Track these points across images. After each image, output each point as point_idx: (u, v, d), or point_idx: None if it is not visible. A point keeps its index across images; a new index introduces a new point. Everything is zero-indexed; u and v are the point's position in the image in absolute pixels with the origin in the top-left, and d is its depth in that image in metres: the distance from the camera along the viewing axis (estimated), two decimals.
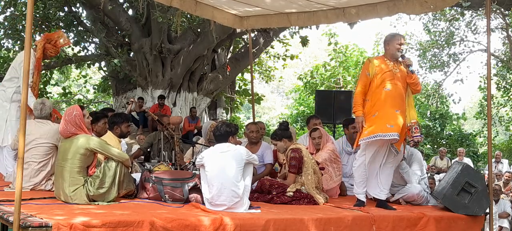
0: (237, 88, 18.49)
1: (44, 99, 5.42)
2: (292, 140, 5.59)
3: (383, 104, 5.13)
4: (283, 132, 5.59)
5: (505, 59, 20.04)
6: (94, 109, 17.44)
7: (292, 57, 17.55)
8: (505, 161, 13.79)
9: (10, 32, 13.56)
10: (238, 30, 13.30)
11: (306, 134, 7.06)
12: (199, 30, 13.97)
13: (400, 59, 5.32)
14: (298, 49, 18.87)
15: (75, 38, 14.51)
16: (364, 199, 5.25)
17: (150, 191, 4.82)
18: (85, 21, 14.77)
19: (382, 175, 5.31)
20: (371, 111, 5.17)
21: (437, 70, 20.93)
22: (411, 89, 5.41)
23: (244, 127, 7.28)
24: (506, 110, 21.74)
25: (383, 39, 5.52)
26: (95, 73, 22.53)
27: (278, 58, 18.21)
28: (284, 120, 17.69)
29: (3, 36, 14.09)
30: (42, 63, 6.04)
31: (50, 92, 19.24)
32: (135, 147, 10.43)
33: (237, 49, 16.58)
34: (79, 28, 14.31)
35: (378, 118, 5.11)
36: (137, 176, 5.14)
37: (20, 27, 13.23)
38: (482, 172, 11.99)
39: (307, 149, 5.66)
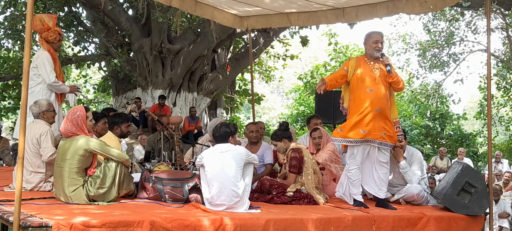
0: (237, 88, 18.49)
1: (39, 99, 5.40)
2: (292, 140, 5.59)
3: (365, 105, 5.16)
4: (283, 132, 5.59)
5: (505, 59, 20.04)
6: (94, 109, 17.45)
7: (292, 57, 17.55)
8: (505, 161, 13.78)
9: (10, 32, 13.57)
10: (238, 30, 13.31)
11: (306, 133, 7.05)
12: (199, 30, 13.98)
13: (380, 58, 5.32)
14: (298, 49, 18.86)
15: (75, 38, 14.53)
16: (361, 199, 5.26)
17: (150, 191, 4.82)
18: (85, 21, 14.78)
19: (378, 173, 5.31)
20: (355, 111, 5.21)
21: (437, 70, 20.93)
22: (393, 88, 5.44)
23: (244, 127, 7.28)
24: (506, 110, 21.74)
25: (363, 38, 5.48)
26: (95, 73, 22.54)
27: (278, 58, 18.21)
28: (284, 120, 17.69)
29: (3, 36, 14.09)
30: (58, 54, 5.98)
31: None
32: (136, 147, 10.46)
33: (237, 49, 16.58)
34: (79, 28, 14.31)
35: (358, 120, 5.15)
36: (137, 176, 5.14)
37: (20, 27, 13.24)
38: (482, 172, 11.99)
39: (307, 149, 5.66)
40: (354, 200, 5.26)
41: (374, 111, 5.15)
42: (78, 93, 6.15)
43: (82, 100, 19.22)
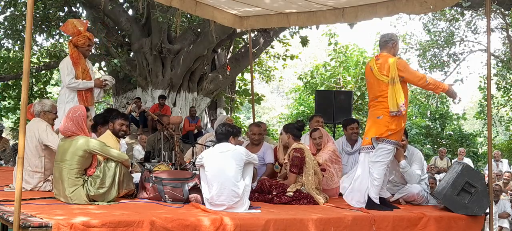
0: (237, 88, 18.49)
1: (44, 99, 5.43)
2: (297, 141, 5.57)
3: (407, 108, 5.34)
4: (295, 129, 5.61)
5: (505, 59, 20.05)
6: (95, 109, 17.40)
7: (292, 57, 17.55)
8: (505, 161, 13.78)
9: (10, 32, 13.57)
10: (238, 30, 13.30)
11: (307, 133, 7.05)
12: (199, 30, 13.97)
13: None
14: (298, 49, 18.85)
15: None
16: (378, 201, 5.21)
17: (150, 191, 4.82)
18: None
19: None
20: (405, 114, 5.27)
21: (437, 70, 20.94)
22: None
23: (245, 127, 7.27)
24: (506, 110, 21.75)
25: (389, 38, 5.26)
26: (95, 73, 22.51)
27: (278, 58, 18.21)
28: (284, 120, 17.63)
29: (3, 36, 14.10)
30: (90, 53, 6.15)
31: (50, 93, 19.24)
32: (136, 147, 10.46)
33: (237, 49, 16.57)
34: None
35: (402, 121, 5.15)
36: (137, 176, 5.14)
37: (20, 27, 13.24)
38: (482, 172, 11.98)
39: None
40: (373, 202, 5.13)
41: None
42: (107, 85, 6.06)
43: None
